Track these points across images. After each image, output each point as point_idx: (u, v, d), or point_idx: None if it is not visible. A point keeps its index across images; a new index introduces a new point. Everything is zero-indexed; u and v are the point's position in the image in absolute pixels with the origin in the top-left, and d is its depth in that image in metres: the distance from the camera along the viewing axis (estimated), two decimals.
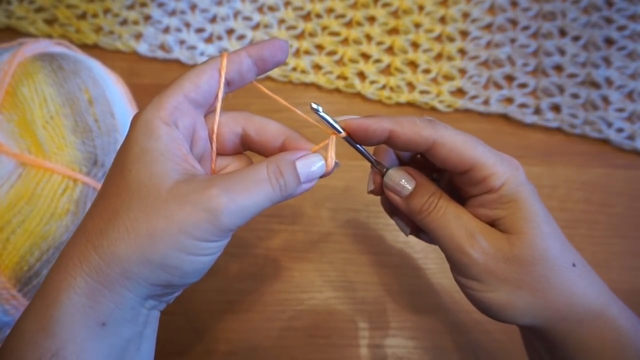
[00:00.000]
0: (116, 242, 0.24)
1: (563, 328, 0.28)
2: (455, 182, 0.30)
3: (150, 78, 0.56)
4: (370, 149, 0.31)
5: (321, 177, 0.29)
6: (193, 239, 0.24)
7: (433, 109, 0.55)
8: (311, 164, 0.28)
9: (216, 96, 0.28)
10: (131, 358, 0.26)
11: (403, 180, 0.30)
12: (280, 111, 0.32)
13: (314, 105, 0.28)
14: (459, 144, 0.27)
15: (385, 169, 0.31)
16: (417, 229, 0.33)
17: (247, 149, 0.31)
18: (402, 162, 0.33)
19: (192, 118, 0.28)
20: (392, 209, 0.34)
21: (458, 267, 0.29)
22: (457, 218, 0.29)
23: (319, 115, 0.29)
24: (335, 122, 0.29)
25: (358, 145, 0.30)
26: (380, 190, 0.32)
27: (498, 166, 0.28)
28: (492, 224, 0.29)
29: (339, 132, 0.29)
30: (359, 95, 0.55)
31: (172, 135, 0.26)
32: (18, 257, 0.36)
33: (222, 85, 0.28)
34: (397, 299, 0.46)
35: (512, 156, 0.30)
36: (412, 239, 0.49)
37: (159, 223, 0.24)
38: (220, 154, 0.30)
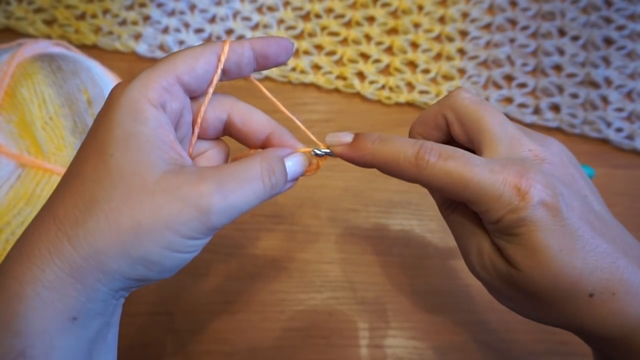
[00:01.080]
0: (94, 233, 0.22)
1: (590, 343, 0.28)
2: None
3: None
4: None
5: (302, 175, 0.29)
6: (179, 236, 0.23)
7: None
8: (297, 164, 0.28)
9: (209, 83, 0.27)
10: (99, 348, 0.25)
11: None
12: (274, 112, 0.31)
13: (318, 152, 0.29)
14: (447, 185, 0.25)
15: None
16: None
17: (228, 135, 0.30)
18: None
19: (180, 102, 0.26)
20: None
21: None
22: (471, 232, 0.28)
23: (321, 155, 0.29)
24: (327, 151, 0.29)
25: None
26: None
27: (494, 202, 0.24)
28: (498, 249, 0.27)
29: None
30: (359, 95, 0.55)
31: (159, 120, 0.24)
32: None
33: (219, 72, 0.27)
34: (397, 299, 0.46)
35: None
36: (412, 239, 0.49)
37: (144, 217, 0.22)
38: (200, 138, 0.29)
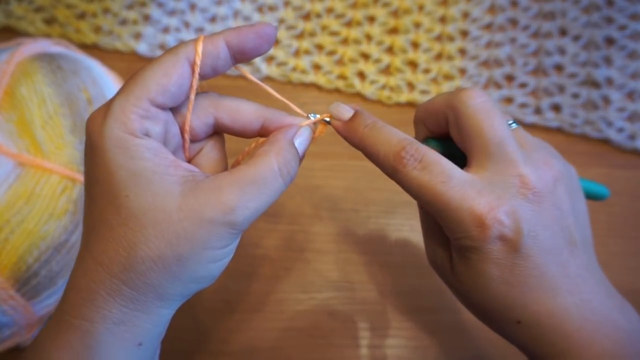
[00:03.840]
0: (146, 273, 0.24)
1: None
2: None
3: None
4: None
5: None
6: (218, 249, 0.25)
7: None
8: (305, 139, 0.28)
9: (187, 96, 0.26)
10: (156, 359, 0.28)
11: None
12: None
13: (312, 116, 0.29)
14: (416, 194, 0.26)
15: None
16: None
17: (222, 131, 0.29)
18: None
19: (161, 122, 0.25)
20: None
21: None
22: (434, 232, 0.30)
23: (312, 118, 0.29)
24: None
25: None
26: None
27: (454, 225, 0.25)
28: (450, 257, 0.29)
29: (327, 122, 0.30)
30: (359, 95, 0.55)
31: (151, 147, 0.24)
32: (17, 257, 0.36)
33: (195, 82, 0.25)
34: (397, 299, 0.46)
35: None
36: (413, 239, 0.49)
37: (183, 247, 0.23)
38: (192, 141, 0.28)
